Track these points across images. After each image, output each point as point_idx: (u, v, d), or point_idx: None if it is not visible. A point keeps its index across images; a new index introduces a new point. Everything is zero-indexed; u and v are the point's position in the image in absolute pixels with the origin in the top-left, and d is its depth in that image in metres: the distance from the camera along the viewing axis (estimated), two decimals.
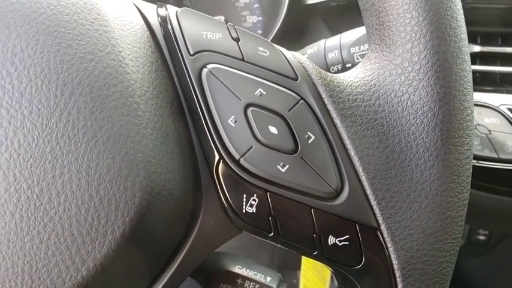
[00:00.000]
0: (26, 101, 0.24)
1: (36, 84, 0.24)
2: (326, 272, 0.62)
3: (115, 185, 0.24)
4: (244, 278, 0.39)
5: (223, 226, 0.28)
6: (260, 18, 0.75)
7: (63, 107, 0.24)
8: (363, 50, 0.45)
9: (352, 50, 0.45)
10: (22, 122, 0.24)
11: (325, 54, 0.46)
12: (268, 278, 0.39)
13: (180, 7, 0.31)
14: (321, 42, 0.48)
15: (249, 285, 0.39)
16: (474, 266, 0.96)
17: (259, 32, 0.75)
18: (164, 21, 0.30)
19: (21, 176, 0.23)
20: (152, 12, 0.31)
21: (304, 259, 0.64)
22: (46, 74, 0.24)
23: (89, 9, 0.27)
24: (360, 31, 0.46)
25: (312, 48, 0.48)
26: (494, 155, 0.56)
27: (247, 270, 0.40)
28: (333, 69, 0.46)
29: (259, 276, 0.39)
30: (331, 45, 0.46)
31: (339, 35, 0.47)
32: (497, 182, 0.60)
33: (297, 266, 0.68)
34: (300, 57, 0.31)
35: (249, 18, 0.75)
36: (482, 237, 0.92)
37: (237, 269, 0.40)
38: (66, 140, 0.24)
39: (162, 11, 0.30)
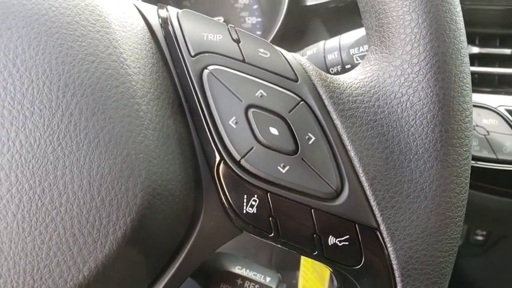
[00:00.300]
0: (28, 102, 0.24)
1: (38, 86, 0.24)
2: (325, 272, 0.62)
3: (116, 186, 0.24)
4: (244, 279, 0.39)
5: (224, 226, 0.28)
6: (259, 19, 0.75)
7: (64, 108, 0.24)
8: (362, 52, 0.45)
9: (352, 51, 0.45)
10: (24, 123, 0.24)
11: (324, 56, 0.47)
12: (268, 279, 0.39)
13: (179, 8, 0.31)
14: (321, 44, 0.48)
15: (248, 286, 0.39)
16: (472, 266, 0.96)
17: (259, 33, 0.75)
18: (165, 22, 0.30)
19: (23, 177, 0.23)
20: (153, 14, 0.31)
21: (303, 260, 0.64)
22: (48, 75, 0.24)
23: (90, 10, 0.27)
24: (359, 32, 0.46)
25: (311, 50, 0.48)
26: (493, 156, 0.56)
27: (247, 270, 0.40)
28: (332, 71, 0.46)
29: (258, 277, 0.39)
30: (330, 46, 0.47)
31: (338, 37, 0.47)
32: (495, 182, 0.60)
33: (296, 267, 0.68)
34: (300, 59, 0.31)
35: (248, 19, 0.75)
36: (480, 238, 0.92)
37: (237, 270, 0.40)
38: (68, 141, 0.24)
39: (163, 13, 0.30)
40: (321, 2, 0.63)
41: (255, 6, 0.75)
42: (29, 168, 0.24)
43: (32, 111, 0.24)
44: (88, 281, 0.24)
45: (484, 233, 0.91)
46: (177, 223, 0.28)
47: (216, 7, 0.75)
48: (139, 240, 0.25)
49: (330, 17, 0.66)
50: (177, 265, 0.28)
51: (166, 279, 0.28)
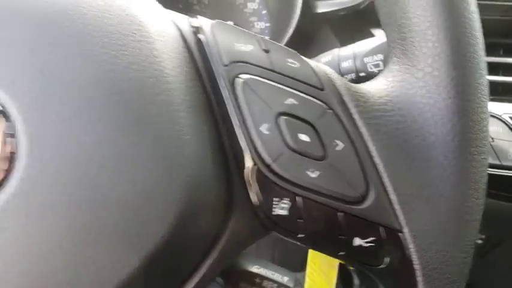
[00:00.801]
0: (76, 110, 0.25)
1: (86, 94, 0.25)
2: (332, 274, 0.63)
3: (157, 191, 0.25)
4: (262, 278, 0.41)
5: (253, 228, 0.30)
6: (268, 24, 0.77)
7: (110, 116, 0.25)
8: (376, 60, 0.46)
9: (366, 59, 0.47)
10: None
11: (339, 63, 0.48)
12: (286, 278, 0.41)
13: (189, 12, 0.32)
14: (335, 51, 0.49)
15: (267, 285, 0.40)
16: (471, 269, 0.97)
17: (267, 37, 0.76)
18: (198, 32, 0.31)
19: (71, 183, 0.25)
20: (185, 23, 0.32)
21: (309, 260, 0.65)
22: (94, 83, 0.26)
23: (130, 20, 0.28)
24: (372, 42, 0.48)
25: (326, 57, 0.50)
26: (497, 162, 0.57)
27: (265, 270, 0.41)
28: (346, 78, 0.48)
29: (276, 276, 0.41)
30: (344, 54, 0.48)
31: (351, 45, 0.49)
32: (498, 188, 0.61)
33: (299, 267, 0.69)
34: (325, 68, 0.32)
35: (257, 24, 0.77)
36: (479, 241, 0.94)
37: (255, 269, 0.41)
38: (113, 147, 0.25)
39: (195, 22, 0.32)
40: (332, 9, 0.64)
41: (264, 12, 0.76)
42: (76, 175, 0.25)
43: (80, 119, 0.25)
44: (127, 281, 0.25)
45: (483, 236, 0.93)
46: (209, 225, 0.29)
47: (226, 12, 0.76)
48: (175, 243, 0.26)
49: (338, 25, 0.68)
50: (207, 265, 0.29)
51: (196, 279, 0.29)
